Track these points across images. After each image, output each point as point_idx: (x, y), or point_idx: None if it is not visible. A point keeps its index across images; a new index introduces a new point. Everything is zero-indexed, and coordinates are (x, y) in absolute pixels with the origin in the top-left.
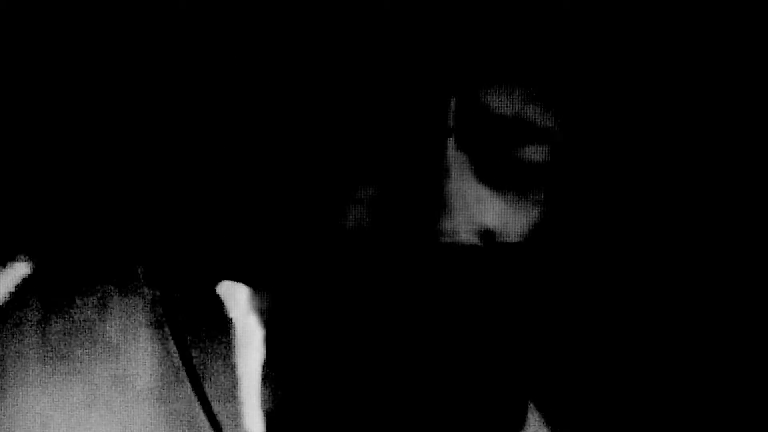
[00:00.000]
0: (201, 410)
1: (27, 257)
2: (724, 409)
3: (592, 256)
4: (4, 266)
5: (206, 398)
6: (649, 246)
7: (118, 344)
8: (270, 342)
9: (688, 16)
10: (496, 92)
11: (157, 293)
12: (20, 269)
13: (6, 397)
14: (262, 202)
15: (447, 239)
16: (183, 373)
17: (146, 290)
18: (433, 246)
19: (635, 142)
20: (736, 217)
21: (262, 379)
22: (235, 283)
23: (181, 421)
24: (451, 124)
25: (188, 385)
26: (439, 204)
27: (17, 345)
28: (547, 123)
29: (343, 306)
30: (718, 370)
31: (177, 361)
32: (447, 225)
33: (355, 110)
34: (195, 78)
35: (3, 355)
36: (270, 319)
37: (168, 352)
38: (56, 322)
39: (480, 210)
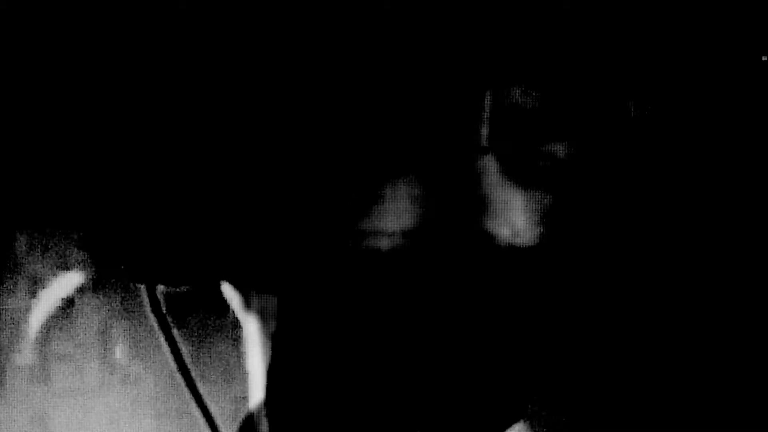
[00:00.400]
0: (198, 410)
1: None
2: (725, 414)
3: (617, 257)
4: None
5: (200, 397)
6: (675, 248)
7: (118, 344)
8: (277, 343)
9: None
10: (524, 89)
11: (154, 290)
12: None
13: (6, 397)
14: (283, 202)
15: (489, 241)
16: (177, 373)
17: (143, 287)
18: (477, 248)
19: (662, 141)
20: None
21: (267, 380)
22: (243, 283)
23: (181, 421)
24: (486, 122)
25: (183, 385)
26: (478, 205)
27: (17, 345)
28: (575, 120)
29: (361, 308)
30: (721, 379)
31: (172, 362)
32: (490, 227)
33: (386, 109)
34: (215, 74)
35: (3, 355)
36: (279, 321)
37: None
38: (56, 322)
39: (516, 209)
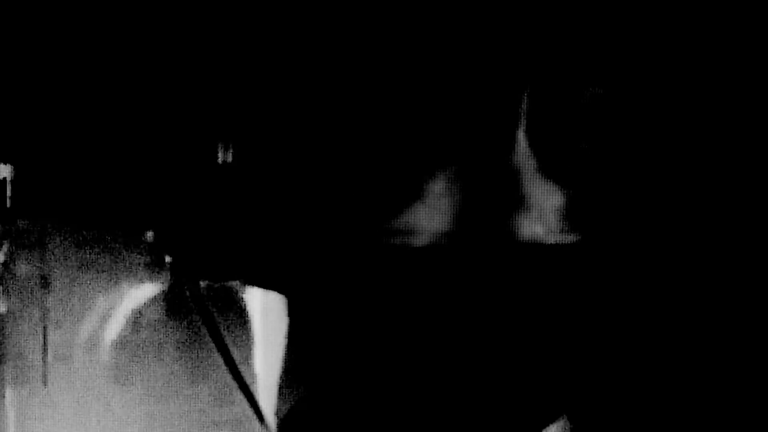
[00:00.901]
0: (238, 395)
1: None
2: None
3: (669, 254)
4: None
5: (244, 382)
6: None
7: (118, 344)
8: (290, 342)
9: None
10: (565, 87)
11: (197, 285)
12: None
13: (5, 397)
14: (314, 203)
15: (525, 239)
16: (216, 359)
17: (165, 281)
18: (512, 247)
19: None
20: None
21: (278, 379)
22: (256, 281)
23: (181, 420)
24: (523, 120)
25: (224, 369)
26: (514, 203)
27: (17, 345)
28: (617, 117)
29: (386, 309)
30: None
31: (207, 346)
32: (525, 225)
33: (423, 107)
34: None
35: (3, 355)
36: (292, 320)
37: (168, 350)
38: (56, 322)
39: (550, 207)
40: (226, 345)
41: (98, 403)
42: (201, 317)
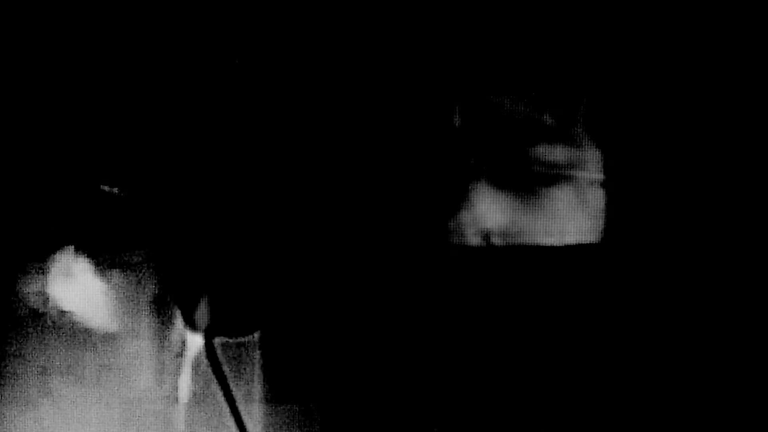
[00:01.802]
0: (230, 414)
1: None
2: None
3: (620, 257)
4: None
5: (234, 402)
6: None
7: (118, 344)
8: (286, 346)
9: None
10: (505, 92)
11: (211, 341)
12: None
13: (5, 397)
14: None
15: (454, 240)
16: (211, 377)
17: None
18: (440, 247)
19: (655, 140)
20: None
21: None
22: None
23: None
24: (457, 125)
25: (218, 389)
26: (445, 205)
27: (17, 345)
28: (560, 122)
29: (348, 308)
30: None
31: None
32: (453, 225)
33: (359, 111)
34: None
35: (3, 355)
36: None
37: (167, 350)
38: (56, 323)
39: (491, 210)
40: (234, 400)
41: (99, 403)
42: (213, 372)
